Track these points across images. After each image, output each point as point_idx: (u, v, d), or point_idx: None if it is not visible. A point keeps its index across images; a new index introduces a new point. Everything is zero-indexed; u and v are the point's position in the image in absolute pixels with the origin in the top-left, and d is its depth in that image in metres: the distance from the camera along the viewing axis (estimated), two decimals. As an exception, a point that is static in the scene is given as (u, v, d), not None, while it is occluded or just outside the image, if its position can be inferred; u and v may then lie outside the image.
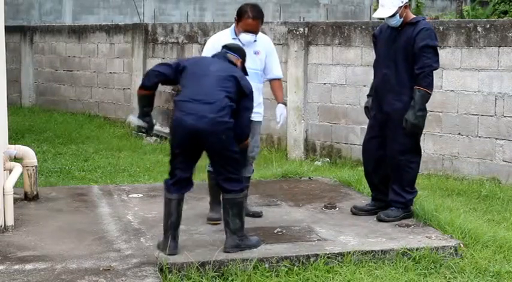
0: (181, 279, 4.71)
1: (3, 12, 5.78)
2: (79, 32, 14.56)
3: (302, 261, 4.98)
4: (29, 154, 6.42)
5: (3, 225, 5.50)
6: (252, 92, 5.15)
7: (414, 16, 6.02)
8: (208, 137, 4.91)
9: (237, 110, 5.02)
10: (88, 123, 13.31)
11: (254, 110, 5.89)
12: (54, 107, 14.85)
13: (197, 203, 6.29)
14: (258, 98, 5.94)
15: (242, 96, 5.06)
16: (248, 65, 5.77)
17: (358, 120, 9.33)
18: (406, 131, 5.78)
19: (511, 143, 8.27)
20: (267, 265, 4.91)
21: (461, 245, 5.37)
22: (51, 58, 15.20)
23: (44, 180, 8.28)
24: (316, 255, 5.02)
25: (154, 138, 11.63)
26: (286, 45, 10.39)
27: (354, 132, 9.69)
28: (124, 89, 13.45)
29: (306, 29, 10.20)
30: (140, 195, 6.77)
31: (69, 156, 10.21)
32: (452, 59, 8.67)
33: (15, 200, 5.95)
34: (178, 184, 5.07)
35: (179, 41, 12.31)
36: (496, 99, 8.37)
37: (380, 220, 5.91)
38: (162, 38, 12.70)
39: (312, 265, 4.94)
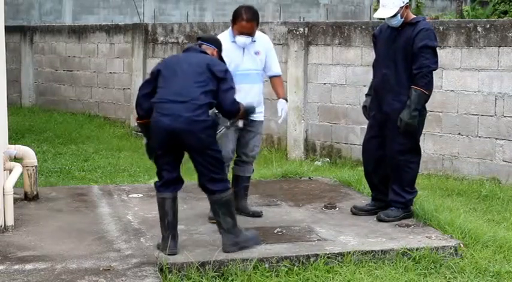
0: (181, 279, 4.71)
1: (3, 12, 5.78)
2: (79, 32, 14.56)
3: (302, 261, 4.98)
4: (29, 154, 6.42)
5: (3, 225, 5.50)
6: (227, 71, 5.07)
7: (414, 16, 6.02)
8: (187, 136, 4.88)
9: (218, 94, 4.99)
10: (88, 123, 13.32)
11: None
12: (54, 107, 14.85)
13: (197, 203, 6.29)
14: (258, 98, 5.95)
15: (219, 81, 5.01)
16: (249, 66, 5.78)
17: (358, 120, 9.33)
18: (401, 130, 5.79)
19: (511, 143, 8.27)
20: (267, 265, 4.91)
21: (461, 245, 5.37)
22: (51, 58, 15.20)
23: (44, 180, 8.29)
24: (316, 255, 5.02)
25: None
26: (286, 45, 10.39)
27: (354, 132, 9.69)
28: (124, 89, 13.45)
29: (306, 29, 10.20)
30: (140, 195, 6.77)
31: (69, 156, 10.22)
32: (452, 59, 8.67)
33: (15, 200, 5.95)
34: (167, 185, 5.05)
35: (179, 41, 12.31)
36: (496, 99, 8.37)
37: (380, 220, 5.90)
38: (162, 38, 12.70)
39: (312, 265, 4.94)
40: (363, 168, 6.38)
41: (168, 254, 4.91)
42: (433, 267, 5.07)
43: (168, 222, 5.03)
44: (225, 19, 19.18)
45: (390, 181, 6.01)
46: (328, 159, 9.91)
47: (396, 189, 5.96)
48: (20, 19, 19.35)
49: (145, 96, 5.09)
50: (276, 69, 6.08)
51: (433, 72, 5.85)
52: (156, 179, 5.13)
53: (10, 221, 5.54)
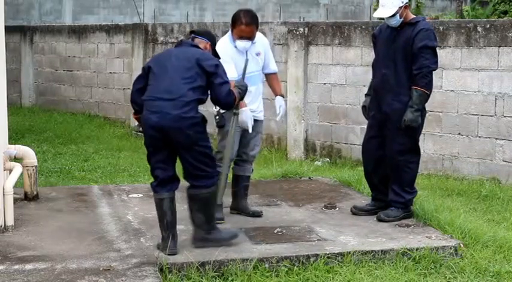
0: (181, 279, 4.71)
1: (3, 12, 5.78)
2: (79, 32, 14.56)
3: (302, 261, 4.98)
4: (29, 154, 6.42)
5: (3, 225, 5.50)
6: (218, 66, 5.03)
7: (414, 16, 6.02)
8: (175, 133, 4.87)
9: (211, 88, 4.99)
10: (88, 123, 13.32)
11: (255, 109, 5.91)
12: (54, 107, 14.85)
13: (197, 203, 6.28)
14: (260, 97, 5.96)
15: (210, 76, 4.99)
16: (253, 68, 5.78)
17: (358, 120, 9.33)
18: (403, 127, 5.79)
19: (511, 143, 8.27)
20: (267, 265, 4.91)
21: (461, 245, 5.37)
22: (51, 58, 15.20)
23: (44, 180, 8.28)
24: (316, 255, 5.02)
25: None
26: (286, 45, 10.39)
27: (354, 132, 9.69)
28: (124, 89, 13.44)
29: (306, 29, 10.20)
30: (140, 195, 6.77)
31: (69, 156, 10.21)
32: (452, 59, 8.67)
33: (15, 200, 5.95)
34: (162, 184, 5.04)
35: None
36: (496, 99, 8.37)
37: (380, 220, 5.91)
38: (162, 38, 12.70)
39: (312, 265, 4.94)
40: (362, 168, 6.38)
41: (168, 254, 4.91)
42: (433, 267, 5.07)
43: (167, 222, 5.03)
44: (225, 19, 19.18)
45: (390, 181, 6.02)
46: (328, 159, 9.91)
47: (396, 189, 5.96)
48: (20, 19, 19.35)
49: (138, 92, 5.11)
50: (273, 66, 6.11)
51: (433, 72, 5.86)
52: None
53: (10, 221, 5.55)
